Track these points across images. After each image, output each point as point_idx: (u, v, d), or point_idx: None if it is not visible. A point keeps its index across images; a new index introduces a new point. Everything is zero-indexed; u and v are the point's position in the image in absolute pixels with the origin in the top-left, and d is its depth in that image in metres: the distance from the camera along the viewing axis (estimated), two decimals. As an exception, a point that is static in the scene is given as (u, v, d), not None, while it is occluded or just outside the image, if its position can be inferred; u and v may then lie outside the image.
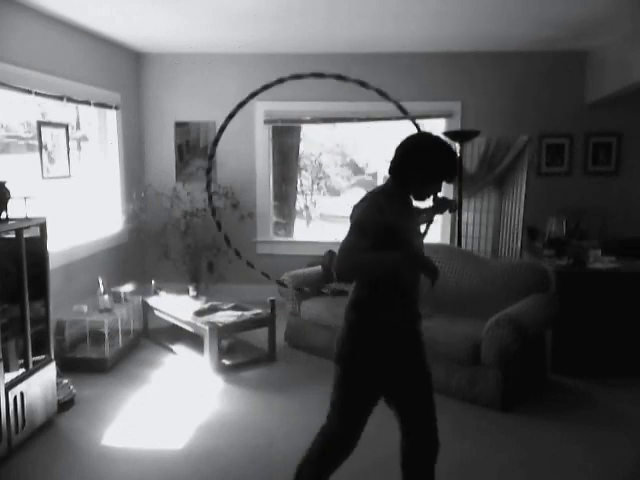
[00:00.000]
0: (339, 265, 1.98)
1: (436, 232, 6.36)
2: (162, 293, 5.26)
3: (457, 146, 5.26)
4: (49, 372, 3.48)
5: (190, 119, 6.19)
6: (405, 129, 5.53)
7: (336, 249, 2.11)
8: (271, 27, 4.93)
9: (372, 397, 2.21)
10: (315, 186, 12.19)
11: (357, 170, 14.39)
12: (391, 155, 2.19)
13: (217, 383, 4.15)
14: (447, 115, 6.00)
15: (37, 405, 3.32)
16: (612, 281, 4.20)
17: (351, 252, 1.98)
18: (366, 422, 2.23)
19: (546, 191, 5.86)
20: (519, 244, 5.24)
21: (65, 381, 3.79)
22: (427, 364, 2.35)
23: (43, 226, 3.42)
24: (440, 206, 2.39)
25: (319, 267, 5.00)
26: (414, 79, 5.99)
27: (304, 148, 9.41)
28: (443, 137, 2.14)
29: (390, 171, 2.19)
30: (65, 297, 4.59)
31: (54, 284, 3.82)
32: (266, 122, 6.15)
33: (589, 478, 2.96)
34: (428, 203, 2.36)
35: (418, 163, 2.12)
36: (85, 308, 4.49)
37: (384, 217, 2.05)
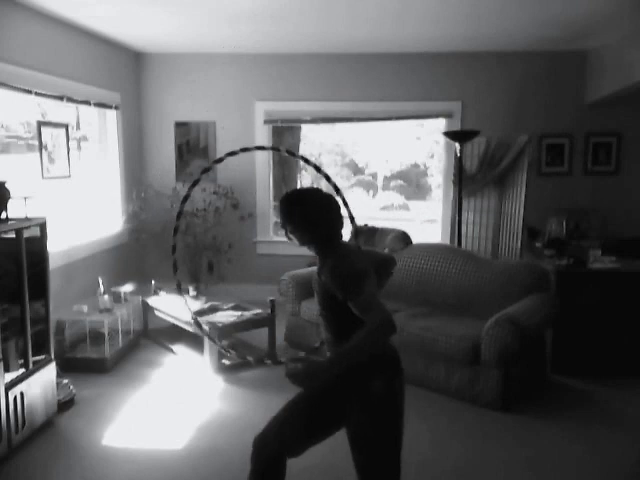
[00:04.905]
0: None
1: (436, 232, 6.37)
2: (162, 293, 5.26)
3: (457, 146, 5.27)
4: (49, 372, 3.48)
5: (190, 119, 6.20)
6: (404, 129, 5.53)
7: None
8: (271, 27, 4.93)
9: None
10: (314, 186, 12.19)
11: (357, 170, 14.38)
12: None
13: (217, 383, 4.15)
14: (447, 115, 6.01)
15: (37, 405, 3.32)
16: (612, 281, 4.20)
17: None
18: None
19: (546, 191, 5.87)
20: (519, 244, 5.24)
21: (65, 381, 3.79)
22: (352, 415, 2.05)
23: (43, 226, 3.42)
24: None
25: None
26: (414, 79, 5.99)
27: (304, 148, 9.41)
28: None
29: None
30: (65, 297, 4.59)
31: (54, 284, 3.82)
32: (266, 122, 6.15)
33: (589, 478, 2.96)
34: None
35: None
36: (85, 308, 4.49)
37: None
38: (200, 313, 4.61)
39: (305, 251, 2.26)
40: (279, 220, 2.16)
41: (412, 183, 14.35)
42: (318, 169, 3.42)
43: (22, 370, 3.27)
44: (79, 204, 5.27)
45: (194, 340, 4.72)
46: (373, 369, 1.97)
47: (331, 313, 2.07)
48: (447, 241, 5.89)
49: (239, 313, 4.65)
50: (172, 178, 6.21)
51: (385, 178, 14.34)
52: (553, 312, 3.96)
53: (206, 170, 3.26)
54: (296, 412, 2.15)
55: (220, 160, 3.23)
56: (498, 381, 3.62)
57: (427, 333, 3.90)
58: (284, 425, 2.14)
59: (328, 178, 3.00)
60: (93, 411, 3.68)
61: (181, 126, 6.20)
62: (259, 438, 2.17)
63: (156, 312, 5.03)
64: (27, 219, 3.31)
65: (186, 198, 3.23)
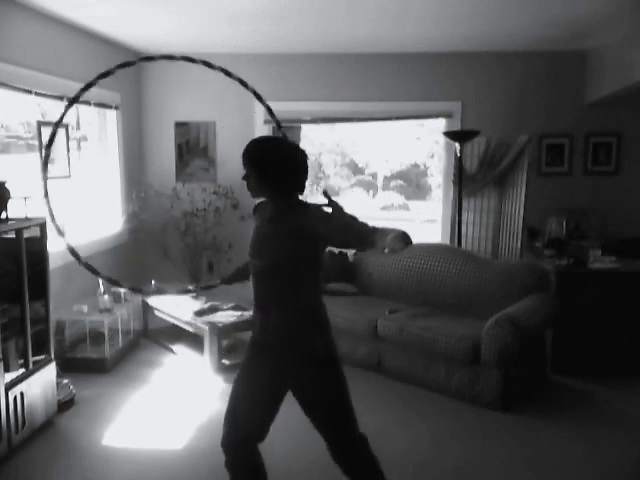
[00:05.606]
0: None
1: (436, 232, 6.36)
2: (162, 293, 5.25)
3: (457, 146, 5.27)
4: (49, 372, 3.48)
5: (190, 119, 6.19)
6: (404, 129, 5.52)
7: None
8: (271, 27, 4.93)
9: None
10: (315, 186, 12.20)
11: (357, 170, 14.39)
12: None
13: (217, 383, 4.15)
14: (447, 115, 6.00)
15: (37, 405, 3.32)
16: (612, 281, 4.20)
17: None
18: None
19: (546, 191, 5.86)
20: (519, 244, 5.24)
21: (65, 381, 3.79)
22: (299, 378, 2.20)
23: (43, 226, 3.42)
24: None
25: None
26: (414, 79, 5.98)
27: (304, 148, 9.42)
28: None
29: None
30: (65, 297, 4.59)
31: (54, 284, 3.82)
32: (266, 122, 6.14)
33: (589, 478, 2.96)
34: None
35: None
36: (85, 308, 4.49)
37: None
38: (200, 313, 4.62)
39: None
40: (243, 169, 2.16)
41: (412, 183, 14.37)
42: (279, 125, 3.33)
43: (22, 370, 3.27)
44: (79, 204, 5.26)
45: (194, 340, 4.72)
46: (313, 329, 2.13)
47: (284, 267, 2.15)
48: (447, 241, 5.89)
49: (239, 313, 4.64)
50: (172, 178, 6.21)
51: (385, 178, 14.35)
52: (553, 312, 3.97)
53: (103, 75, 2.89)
54: (242, 400, 2.20)
55: (108, 73, 2.80)
56: (498, 381, 3.62)
57: (427, 333, 3.90)
58: (237, 418, 2.17)
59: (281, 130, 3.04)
60: (93, 411, 3.68)
61: (181, 126, 6.20)
62: (225, 441, 2.18)
63: (156, 312, 5.03)
64: (27, 219, 3.31)
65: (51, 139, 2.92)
